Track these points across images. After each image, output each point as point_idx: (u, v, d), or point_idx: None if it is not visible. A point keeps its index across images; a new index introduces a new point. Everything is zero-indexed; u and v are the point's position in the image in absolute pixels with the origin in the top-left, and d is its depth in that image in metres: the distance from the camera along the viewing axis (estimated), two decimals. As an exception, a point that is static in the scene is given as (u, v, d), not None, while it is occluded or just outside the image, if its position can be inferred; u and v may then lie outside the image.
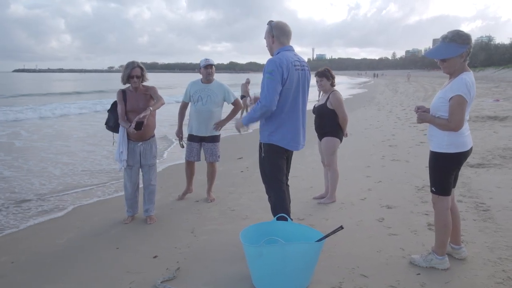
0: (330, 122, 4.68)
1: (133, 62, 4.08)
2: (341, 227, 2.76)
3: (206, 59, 4.88)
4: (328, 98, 4.67)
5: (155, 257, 3.49)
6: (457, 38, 2.79)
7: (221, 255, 3.48)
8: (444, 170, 2.97)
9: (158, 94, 4.16)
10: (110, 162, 7.62)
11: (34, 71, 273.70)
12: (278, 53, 3.24)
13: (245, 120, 3.29)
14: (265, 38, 3.38)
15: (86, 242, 3.90)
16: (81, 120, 15.44)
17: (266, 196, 5.03)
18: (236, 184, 5.85)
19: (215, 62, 5.05)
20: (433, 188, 3.03)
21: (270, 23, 3.33)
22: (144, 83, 4.21)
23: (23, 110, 17.53)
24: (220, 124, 4.93)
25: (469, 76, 2.84)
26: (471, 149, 3.01)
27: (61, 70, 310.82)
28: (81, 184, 6.16)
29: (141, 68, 4.09)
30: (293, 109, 3.26)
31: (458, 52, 2.79)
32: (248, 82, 15.48)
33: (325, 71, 4.79)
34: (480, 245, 3.42)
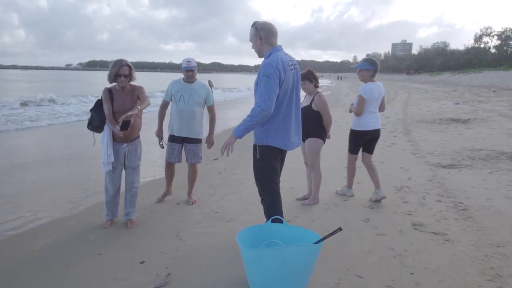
0: (314, 123, 4.69)
1: (121, 60, 3.89)
2: (340, 229, 2.75)
3: (188, 61, 4.74)
4: (313, 99, 4.67)
5: (142, 262, 3.35)
6: (366, 59, 4.83)
7: (211, 258, 3.39)
8: (351, 139, 4.97)
9: (144, 94, 4.00)
10: (77, 168, 7.30)
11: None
12: (270, 54, 3.19)
13: (239, 131, 3.07)
14: (251, 41, 3.28)
15: (65, 248, 3.69)
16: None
17: (248, 198, 5.02)
18: (215, 186, 5.75)
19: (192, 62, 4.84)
20: (348, 148, 5.02)
21: (255, 24, 3.24)
22: (131, 83, 4.04)
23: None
24: (211, 141, 5.00)
25: (369, 84, 4.73)
26: (373, 130, 4.80)
27: (14, 67, 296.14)
28: (52, 190, 5.86)
29: (129, 67, 3.91)
30: (288, 109, 3.23)
31: (363, 67, 4.75)
32: None
33: (308, 73, 4.79)
34: (466, 243, 3.52)
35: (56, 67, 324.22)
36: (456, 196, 4.83)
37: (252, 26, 3.27)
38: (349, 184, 5.08)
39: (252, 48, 3.31)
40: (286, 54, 3.27)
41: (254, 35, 3.23)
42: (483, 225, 3.92)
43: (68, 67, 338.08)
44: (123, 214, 4.30)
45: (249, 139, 3.34)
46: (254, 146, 3.29)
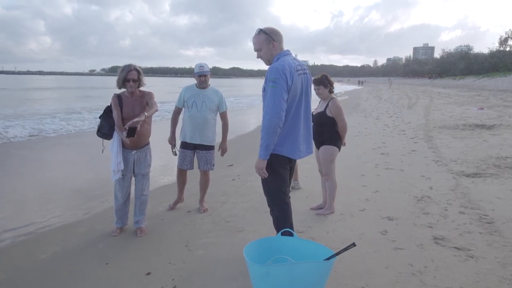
0: (329, 130, 4.52)
1: (129, 65, 3.83)
2: (354, 244, 2.57)
3: (200, 66, 4.64)
4: (327, 105, 4.51)
5: (148, 274, 3.25)
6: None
7: (220, 271, 3.26)
8: None
9: (153, 100, 3.92)
10: (89, 175, 7.30)
11: (13, 73, 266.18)
12: (278, 59, 3.04)
13: (261, 151, 2.93)
14: (258, 49, 3.11)
15: (72, 257, 3.62)
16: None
17: (261, 207, 4.87)
18: (228, 193, 5.62)
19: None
20: None
21: (263, 30, 3.08)
22: (141, 88, 3.97)
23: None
24: (224, 148, 4.92)
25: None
26: None
27: (40, 73, 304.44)
28: (63, 196, 5.85)
29: (138, 72, 3.84)
30: (296, 116, 3.08)
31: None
32: None
33: (323, 78, 4.63)
34: (491, 260, 3.28)
35: (80, 73, 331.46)
36: (481, 208, 4.56)
37: (258, 33, 3.09)
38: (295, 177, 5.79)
39: (258, 57, 3.14)
40: (294, 58, 3.13)
41: (265, 40, 3.07)
42: (511, 240, 3.67)
43: (91, 73, 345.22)
44: (133, 221, 4.22)
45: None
46: None
